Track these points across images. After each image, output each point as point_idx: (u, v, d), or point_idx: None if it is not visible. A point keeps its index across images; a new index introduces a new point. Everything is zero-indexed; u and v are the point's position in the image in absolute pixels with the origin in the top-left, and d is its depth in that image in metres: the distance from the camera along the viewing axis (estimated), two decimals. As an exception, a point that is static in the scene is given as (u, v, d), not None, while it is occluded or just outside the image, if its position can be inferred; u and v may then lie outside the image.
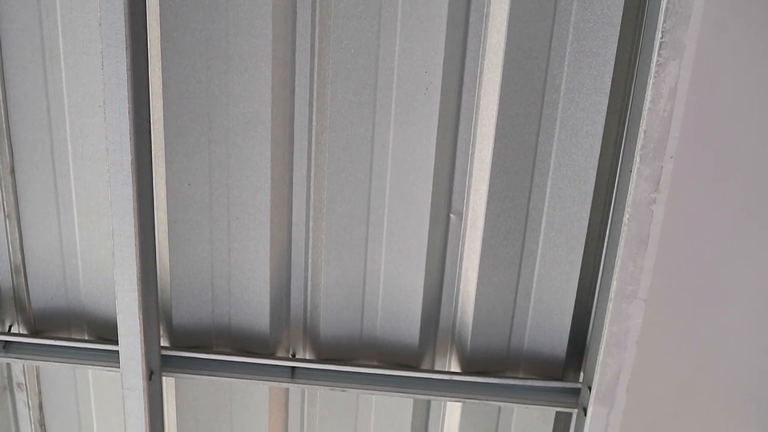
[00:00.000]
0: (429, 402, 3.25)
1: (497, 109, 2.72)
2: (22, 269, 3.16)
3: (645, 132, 2.52)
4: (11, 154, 2.98)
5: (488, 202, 2.85)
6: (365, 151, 2.85)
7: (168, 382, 3.24)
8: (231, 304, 3.09)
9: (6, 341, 3.17)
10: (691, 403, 3.24)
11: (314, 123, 2.84)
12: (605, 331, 2.78)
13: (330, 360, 3.14)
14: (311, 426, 3.31)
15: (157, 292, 2.98)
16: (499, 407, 3.21)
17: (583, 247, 2.90)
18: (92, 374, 3.34)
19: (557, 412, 3.20)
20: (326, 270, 3.01)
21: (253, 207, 2.93)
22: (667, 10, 2.40)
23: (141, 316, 2.85)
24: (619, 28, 2.62)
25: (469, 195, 2.90)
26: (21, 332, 3.25)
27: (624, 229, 2.64)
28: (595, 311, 2.96)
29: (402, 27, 2.69)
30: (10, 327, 3.24)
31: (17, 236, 3.10)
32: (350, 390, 3.06)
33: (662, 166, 2.56)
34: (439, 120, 2.78)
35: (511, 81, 2.69)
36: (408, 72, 2.74)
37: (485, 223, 2.88)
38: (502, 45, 2.66)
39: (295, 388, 3.22)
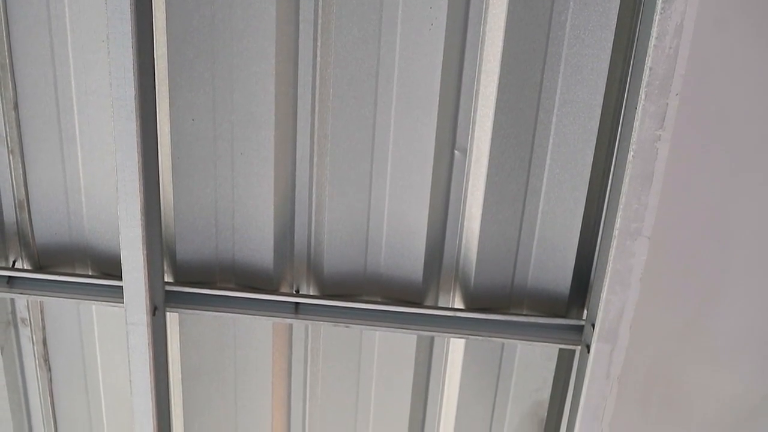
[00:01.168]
0: (432, 338, 3.34)
1: (502, 46, 2.78)
2: (25, 204, 3.24)
3: (650, 69, 2.57)
4: (14, 89, 3.05)
5: (492, 139, 2.92)
6: (369, 86, 2.92)
7: (172, 318, 3.34)
8: (235, 240, 3.18)
9: (10, 276, 3.26)
10: (694, 341, 3.28)
11: (318, 58, 2.90)
12: (609, 269, 2.85)
13: (334, 296, 3.22)
14: (315, 361, 3.41)
15: (160, 228, 3.06)
16: (503, 344, 3.29)
17: (588, 185, 2.97)
18: (96, 310, 3.42)
19: (560, 349, 3.29)
20: (330, 206, 3.09)
21: (257, 143, 3.01)
22: (673, -54, 2.46)
23: (145, 252, 2.93)
24: (625, -36, 2.69)
25: (473, 131, 2.97)
26: (25, 267, 3.33)
27: (628, 166, 2.71)
28: (599, 248, 3.04)
29: (407, -38, 2.76)
30: (14, 262, 3.33)
31: (21, 172, 3.19)
32: (354, 326, 3.15)
33: (667, 104, 2.62)
34: (443, 56, 2.85)
35: (516, 17, 2.75)
36: (413, 7, 2.80)
37: (489, 159, 2.95)
38: (508, -19, 2.73)
39: (298, 324, 3.31)
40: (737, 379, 3.41)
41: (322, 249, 3.17)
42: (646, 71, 2.58)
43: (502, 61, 2.81)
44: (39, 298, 3.31)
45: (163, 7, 2.84)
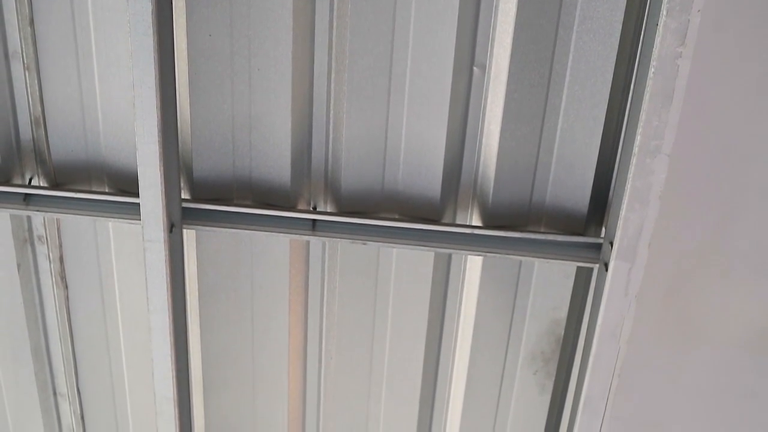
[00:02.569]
0: (450, 256, 3.40)
1: (522, -39, 2.83)
2: (42, 121, 3.31)
3: (672, -16, 2.60)
4: (30, 4, 3.11)
5: (512, 55, 2.97)
6: (388, 2, 2.96)
7: (189, 235, 3.40)
8: (252, 156, 3.25)
9: (26, 194, 3.32)
10: (713, 259, 3.34)
11: (337, -27, 2.96)
12: (628, 186, 2.89)
13: (351, 213, 3.29)
14: (332, 279, 3.48)
15: (177, 144, 3.13)
16: (520, 261, 3.35)
17: (607, 102, 3.02)
18: (113, 227, 3.48)
19: (578, 267, 3.34)
20: (348, 122, 3.16)
21: (275, 59, 3.07)
22: None
23: (162, 168, 2.99)
24: None
25: (492, 48, 3.02)
26: (41, 185, 3.41)
27: (649, 83, 2.73)
28: (618, 166, 3.09)
29: None
30: (30, 179, 3.41)
31: (37, 88, 3.26)
32: (371, 243, 3.22)
33: (689, 20, 2.64)
34: (463, -29, 2.90)
35: (537, -69, 2.80)
36: None
37: (509, 76, 3.01)
38: None
39: (315, 241, 3.37)
40: (756, 298, 3.48)
41: (340, 166, 3.24)
42: (668, -14, 2.60)
43: (522, -24, 2.86)
44: (55, 216, 3.39)
45: None
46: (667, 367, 3.67)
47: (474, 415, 3.71)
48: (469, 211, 3.31)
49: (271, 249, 3.44)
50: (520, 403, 3.68)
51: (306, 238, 3.27)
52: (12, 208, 3.33)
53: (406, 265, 3.42)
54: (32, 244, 3.58)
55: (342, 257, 3.44)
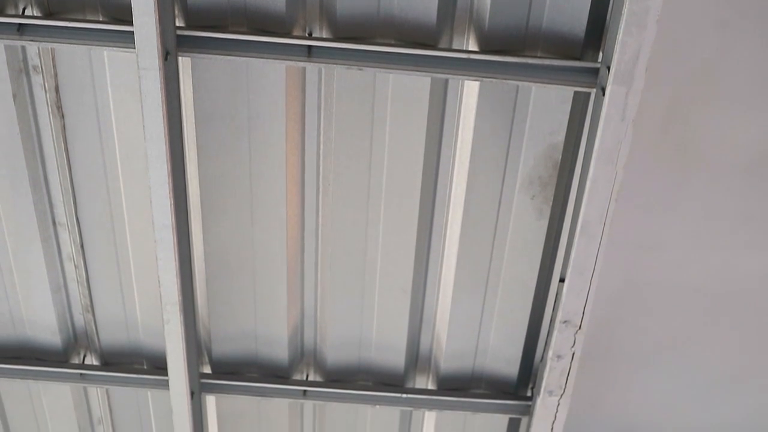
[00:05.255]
0: (447, 81, 3.47)
1: None
2: None
3: None
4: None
5: None
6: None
7: (184, 63, 3.47)
8: None
9: (20, 24, 3.36)
10: (710, 84, 3.45)
11: None
12: (625, 10, 2.94)
13: (347, 39, 3.35)
14: (328, 105, 3.56)
15: None
16: (517, 86, 3.42)
17: None
18: (108, 56, 3.54)
19: (575, 92, 3.41)
20: None
21: None
22: None
23: None
24: None
25: None
26: (35, 14, 3.45)
27: None
28: None
29: None
30: (23, 9, 3.44)
31: None
32: (367, 68, 3.30)
33: None
34: None
35: None
36: None
37: None
38: None
39: (311, 67, 3.44)
40: (752, 124, 3.60)
41: (335, -10, 3.29)
42: None
43: None
44: (50, 45, 3.44)
45: None
46: (664, 191, 3.83)
47: (472, 240, 3.87)
48: (466, 35, 3.37)
49: (267, 76, 3.51)
50: (518, 228, 3.83)
51: (302, 64, 3.33)
52: (6, 39, 3.40)
53: (403, 90, 3.49)
54: (27, 75, 3.64)
55: (338, 83, 3.50)
